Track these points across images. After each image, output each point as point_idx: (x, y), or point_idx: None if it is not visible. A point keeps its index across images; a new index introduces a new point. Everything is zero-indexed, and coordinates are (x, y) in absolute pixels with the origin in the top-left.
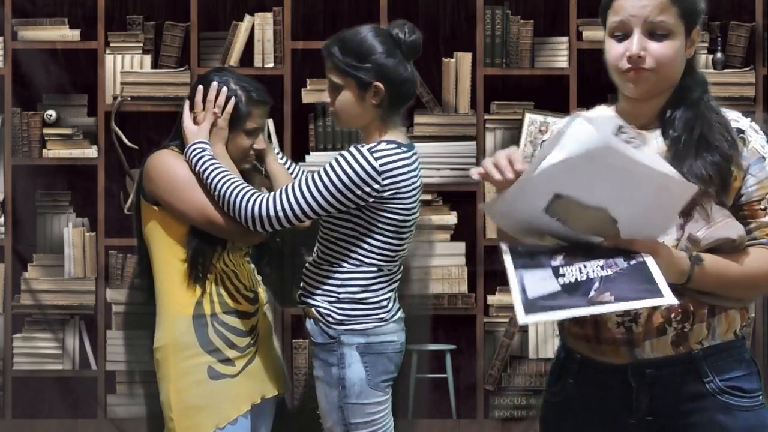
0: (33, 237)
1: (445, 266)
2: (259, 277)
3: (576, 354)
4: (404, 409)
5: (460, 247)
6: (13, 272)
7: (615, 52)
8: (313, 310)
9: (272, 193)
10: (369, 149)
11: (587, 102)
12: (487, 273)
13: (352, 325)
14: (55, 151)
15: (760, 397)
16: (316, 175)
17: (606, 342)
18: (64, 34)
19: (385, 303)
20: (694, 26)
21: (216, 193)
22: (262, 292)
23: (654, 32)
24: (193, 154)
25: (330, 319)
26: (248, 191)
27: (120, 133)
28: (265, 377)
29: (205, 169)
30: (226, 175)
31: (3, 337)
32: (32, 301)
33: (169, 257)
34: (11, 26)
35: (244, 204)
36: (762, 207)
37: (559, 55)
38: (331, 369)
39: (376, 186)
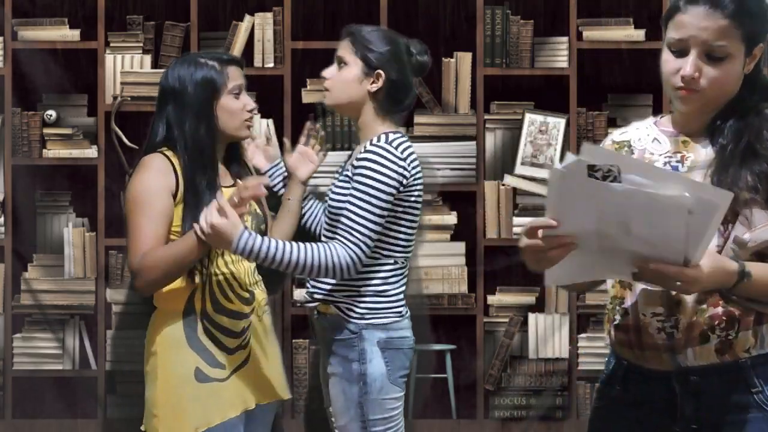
0: (33, 237)
1: (445, 266)
2: (258, 277)
3: (623, 360)
4: (404, 409)
5: (460, 247)
6: (13, 272)
7: (670, 66)
8: (331, 305)
9: (339, 238)
10: (387, 141)
11: (587, 102)
12: (487, 273)
13: (374, 319)
14: (55, 151)
15: None
16: (360, 196)
17: (648, 348)
18: (64, 34)
19: (401, 297)
20: (757, 44)
21: (295, 269)
22: (260, 293)
23: (711, 54)
24: (245, 247)
25: (352, 314)
26: (320, 251)
27: (120, 133)
28: (262, 382)
29: (267, 256)
30: (290, 249)
31: (3, 337)
32: (32, 301)
33: None
34: (11, 26)
35: (328, 264)
36: None
37: (559, 55)
38: (351, 365)
39: (406, 173)
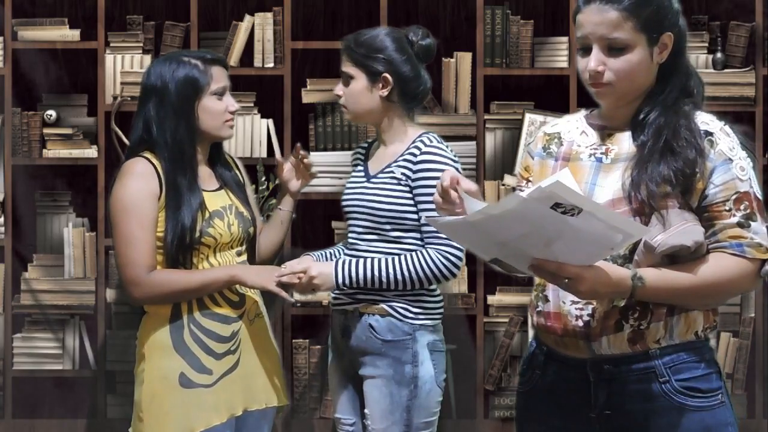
0: (33, 237)
1: None
2: None
3: (543, 346)
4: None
5: None
6: (13, 272)
7: (580, 65)
8: (383, 305)
9: (434, 243)
10: (438, 142)
11: (587, 102)
12: (487, 273)
13: (426, 320)
14: (55, 151)
15: (720, 396)
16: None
17: (567, 335)
18: (64, 34)
19: (442, 297)
20: (661, 32)
21: (395, 285)
22: (252, 297)
23: (611, 47)
24: (346, 275)
25: (407, 314)
26: (417, 261)
27: (120, 133)
28: (253, 388)
29: (366, 276)
30: (385, 265)
31: (3, 337)
32: (32, 301)
33: None
34: (11, 26)
35: (430, 273)
36: (727, 208)
37: (559, 55)
38: (403, 367)
39: (460, 170)
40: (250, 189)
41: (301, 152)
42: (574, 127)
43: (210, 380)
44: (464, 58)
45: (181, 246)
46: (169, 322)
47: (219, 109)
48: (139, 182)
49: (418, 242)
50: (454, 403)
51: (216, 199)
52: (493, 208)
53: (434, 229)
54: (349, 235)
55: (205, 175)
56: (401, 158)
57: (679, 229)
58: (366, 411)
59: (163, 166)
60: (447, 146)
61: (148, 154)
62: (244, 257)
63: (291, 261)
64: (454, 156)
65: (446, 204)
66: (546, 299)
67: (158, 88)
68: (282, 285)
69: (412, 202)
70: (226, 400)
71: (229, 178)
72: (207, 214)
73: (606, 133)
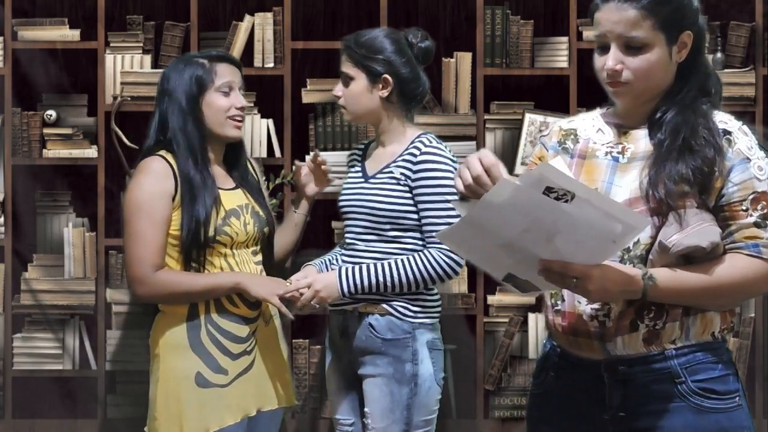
0: (33, 237)
1: None
2: None
3: (557, 347)
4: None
5: None
6: (13, 272)
7: (597, 64)
8: (383, 305)
9: (435, 243)
10: (437, 143)
11: (587, 102)
12: (487, 273)
13: (425, 318)
14: (55, 151)
15: (737, 399)
16: (438, 199)
17: (582, 336)
18: (64, 34)
19: (439, 296)
20: (680, 31)
21: (399, 287)
22: None
23: (630, 45)
24: (350, 282)
25: (407, 312)
26: (420, 262)
27: (120, 133)
28: (266, 388)
29: (370, 281)
30: (389, 268)
31: (3, 337)
32: (32, 301)
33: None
34: (11, 26)
35: (434, 273)
36: (744, 208)
37: (559, 55)
38: (404, 365)
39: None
40: (265, 190)
41: (319, 158)
42: (590, 125)
43: (226, 380)
44: (464, 58)
45: (196, 242)
46: (186, 321)
47: (222, 104)
48: (154, 180)
49: (417, 242)
50: (454, 403)
51: (232, 197)
52: (490, 196)
53: (435, 226)
54: (347, 235)
55: (221, 174)
56: (400, 158)
57: (696, 229)
58: (366, 410)
59: (178, 163)
60: (446, 146)
61: (165, 153)
62: (260, 257)
63: (296, 274)
64: (453, 156)
65: (470, 191)
66: (562, 298)
67: (168, 90)
68: (284, 300)
69: (411, 201)
70: (241, 400)
71: (245, 177)
72: (223, 213)
73: (622, 131)
